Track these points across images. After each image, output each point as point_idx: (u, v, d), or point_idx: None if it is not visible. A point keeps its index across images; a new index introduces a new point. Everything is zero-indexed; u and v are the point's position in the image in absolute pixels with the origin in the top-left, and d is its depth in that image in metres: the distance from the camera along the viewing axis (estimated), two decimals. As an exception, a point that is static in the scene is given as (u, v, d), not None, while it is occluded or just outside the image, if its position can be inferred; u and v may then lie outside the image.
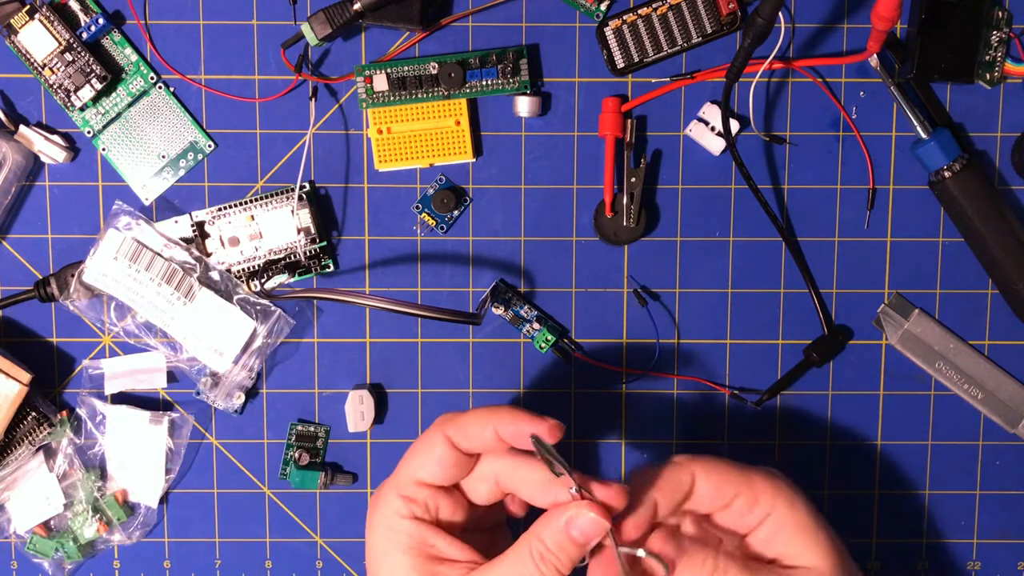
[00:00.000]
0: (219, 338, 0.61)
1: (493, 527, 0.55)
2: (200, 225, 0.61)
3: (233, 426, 0.63)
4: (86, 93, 0.59)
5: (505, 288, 0.62)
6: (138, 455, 0.62)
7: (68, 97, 0.59)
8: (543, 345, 0.62)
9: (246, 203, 0.61)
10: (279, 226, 0.61)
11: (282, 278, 0.62)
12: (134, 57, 0.61)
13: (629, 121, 0.61)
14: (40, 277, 0.62)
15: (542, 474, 0.48)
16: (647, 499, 0.49)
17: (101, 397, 0.62)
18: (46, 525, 0.62)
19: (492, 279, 0.63)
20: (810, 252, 0.63)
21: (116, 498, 0.62)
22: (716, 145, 0.61)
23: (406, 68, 0.60)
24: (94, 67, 0.59)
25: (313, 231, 0.61)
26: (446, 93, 0.60)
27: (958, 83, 0.61)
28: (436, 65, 0.60)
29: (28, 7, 0.59)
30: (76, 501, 0.62)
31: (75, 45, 0.59)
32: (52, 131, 0.61)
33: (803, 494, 0.52)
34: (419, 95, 0.60)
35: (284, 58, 0.60)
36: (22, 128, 0.61)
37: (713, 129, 0.61)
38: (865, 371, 0.64)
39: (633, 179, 0.60)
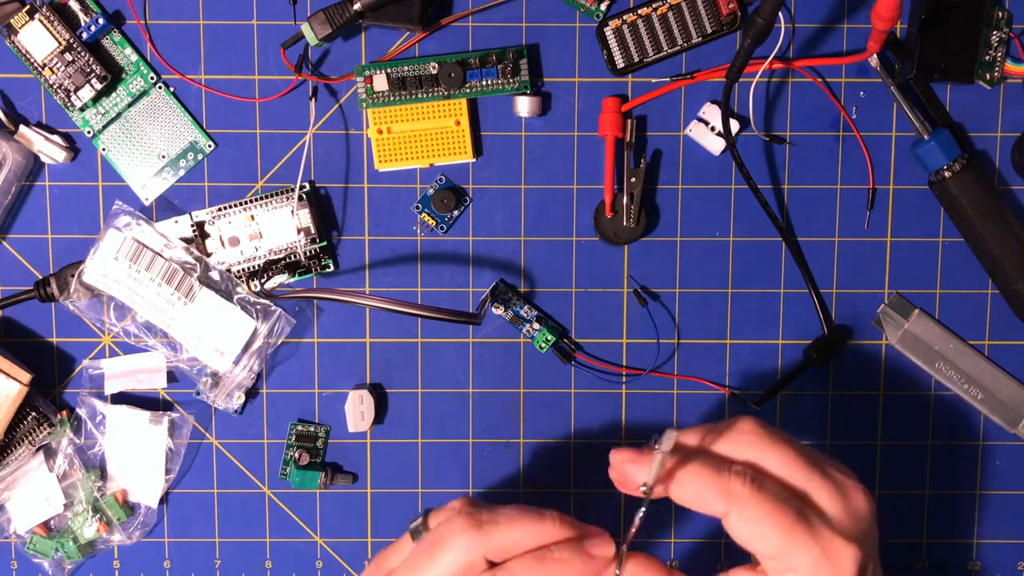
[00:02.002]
0: (219, 338, 0.61)
1: None
2: (200, 225, 0.61)
3: (233, 426, 0.63)
4: (86, 93, 0.59)
5: (505, 288, 0.62)
6: (138, 455, 0.62)
7: (68, 97, 0.59)
8: (543, 345, 0.62)
9: (246, 203, 0.61)
10: (279, 226, 0.61)
11: (282, 278, 0.62)
12: (134, 57, 0.61)
13: (629, 121, 0.61)
14: (40, 277, 0.62)
15: None
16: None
17: (101, 397, 0.62)
18: (46, 525, 0.62)
19: (492, 279, 0.63)
20: (810, 252, 0.63)
21: (116, 498, 0.62)
22: (716, 145, 0.61)
23: (406, 68, 0.60)
24: (94, 67, 0.59)
25: (313, 231, 0.61)
26: (446, 93, 0.60)
27: (958, 83, 0.61)
28: (436, 65, 0.60)
29: (28, 7, 0.59)
30: (76, 501, 0.62)
31: (75, 45, 0.59)
32: (52, 131, 0.61)
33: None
34: (419, 95, 0.60)
35: (284, 58, 0.60)
36: (22, 128, 0.61)
37: (713, 129, 0.61)
38: (865, 371, 0.64)
39: (633, 179, 0.60)
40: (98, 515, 0.62)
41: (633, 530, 0.45)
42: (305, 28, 0.58)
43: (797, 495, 0.45)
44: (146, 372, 0.62)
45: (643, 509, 0.45)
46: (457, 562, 0.44)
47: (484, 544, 0.45)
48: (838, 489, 0.46)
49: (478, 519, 0.45)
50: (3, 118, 0.60)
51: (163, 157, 0.62)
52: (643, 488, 0.45)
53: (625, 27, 0.61)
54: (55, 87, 0.59)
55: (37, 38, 0.59)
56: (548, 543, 0.45)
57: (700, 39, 0.61)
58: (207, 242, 0.61)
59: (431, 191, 0.62)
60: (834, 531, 0.44)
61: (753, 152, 0.62)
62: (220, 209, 0.61)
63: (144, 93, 0.61)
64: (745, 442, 0.46)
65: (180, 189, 0.62)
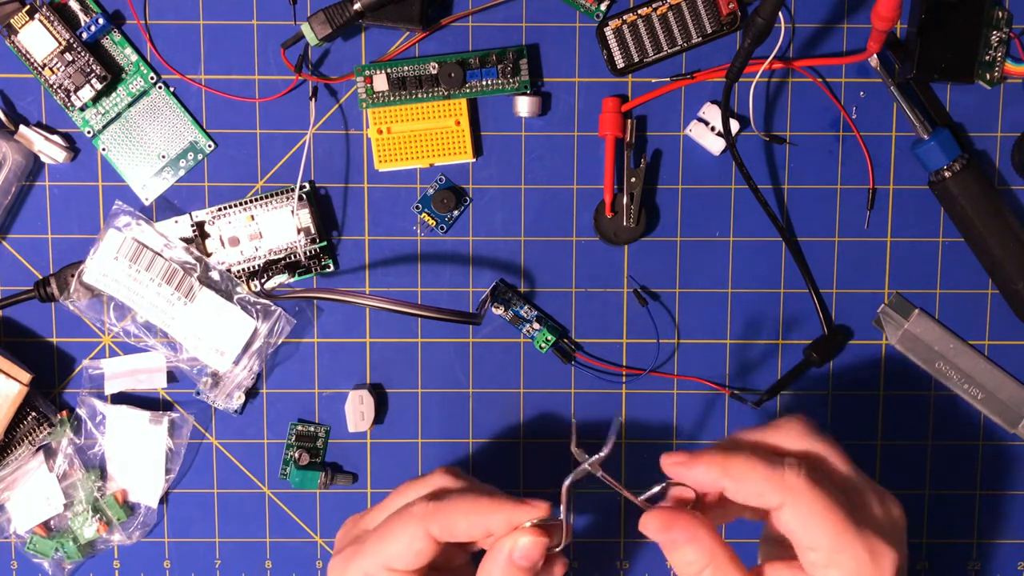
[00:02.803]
0: (220, 338, 0.61)
1: (460, 565, 0.52)
2: (200, 225, 0.61)
3: (233, 426, 0.63)
4: (86, 93, 0.59)
5: (505, 288, 0.62)
6: (138, 455, 0.62)
7: (68, 97, 0.59)
8: (543, 345, 0.62)
9: (246, 203, 0.61)
10: (279, 226, 0.61)
11: (282, 278, 0.62)
12: (134, 57, 0.61)
13: (629, 121, 0.61)
14: (40, 277, 0.62)
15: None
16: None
17: (101, 397, 0.62)
18: (46, 525, 0.62)
19: (492, 279, 0.63)
20: (810, 252, 0.63)
21: (116, 498, 0.62)
22: (716, 145, 0.61)
23: (406, 68, 0.60)
24: (94, 67, 0.59)
25: (313, 231, 0.61)
26: (446, 93, 0.60)
27: (958, 83, 0.61)
28: (436, 65, 0.60)
29: (28, 7, 0.59)
30: (76, 501, 0.62)
31: (75, 45, 0.59)
32: (52, 131, 0.61)
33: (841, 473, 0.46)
34: (419, 95, 0.60)
35: (284, 58, 0.60)
36: (22, 128, 0.61)
37: (713, 129, 0.61)
38: (865, 371, 0.64)
39: (633, 179, 0.60)
40: (98, 515, 0.62)
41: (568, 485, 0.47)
42: (305, 28, 0.58)
43: (846, 493, 0.46)
44: (146, 372, 0.62)
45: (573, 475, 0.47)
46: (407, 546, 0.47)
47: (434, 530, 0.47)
48: (880, 495, 0.47)
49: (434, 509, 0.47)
50: (3, 118, 0.60)
51: (163, 157, 0.62)
52: (595, 457, 0.47)
53: (625, 27, 0.61)
54: (55, 87, 0.59)
55: (37, 38, 0.59)
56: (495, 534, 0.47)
57: (700, 39, 0.61)
58: (207, 242, 0.61)
59: (431, 191, 0.62)
60: (879, 534, 0.45)
61: (753, 152, 0.62)
62: (220, 209, 0.61)
63: (144, 93, 0.61)
64: (794, 439, 0.47)
65: (180, 189, 0.62)
